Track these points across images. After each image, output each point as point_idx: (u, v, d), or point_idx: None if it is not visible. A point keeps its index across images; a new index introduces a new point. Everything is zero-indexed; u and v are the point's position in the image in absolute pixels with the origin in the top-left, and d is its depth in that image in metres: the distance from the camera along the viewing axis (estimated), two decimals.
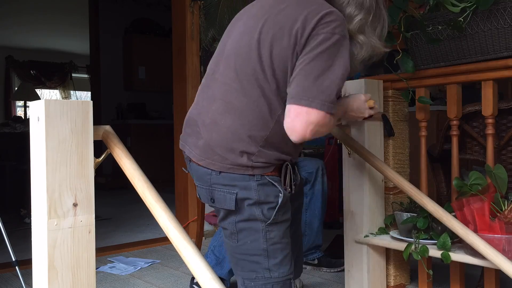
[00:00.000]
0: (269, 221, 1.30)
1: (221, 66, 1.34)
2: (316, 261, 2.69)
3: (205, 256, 2.31)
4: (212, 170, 1.30)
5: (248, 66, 1.27)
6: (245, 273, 1.34)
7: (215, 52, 1.42)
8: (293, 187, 1.37)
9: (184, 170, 1.53)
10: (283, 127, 1.25)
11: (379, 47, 1.41)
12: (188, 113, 1.42)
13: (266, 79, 1.25)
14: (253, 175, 1.28)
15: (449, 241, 1.82)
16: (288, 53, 1.23)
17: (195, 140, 1.35)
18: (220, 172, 1.29)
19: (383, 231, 2.16)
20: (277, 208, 1.30)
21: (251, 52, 1.27)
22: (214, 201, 1.33)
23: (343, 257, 2.26)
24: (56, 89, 10.19)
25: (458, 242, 1.85)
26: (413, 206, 2.03)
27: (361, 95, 1.58)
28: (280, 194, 1.30)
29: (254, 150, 1.27)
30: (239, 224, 1.31)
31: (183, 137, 1.43)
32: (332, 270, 2.67)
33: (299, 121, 1.19)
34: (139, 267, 2.85)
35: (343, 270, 2.63)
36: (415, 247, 1.90)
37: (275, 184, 1.30)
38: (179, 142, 1.45)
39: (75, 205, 1.08)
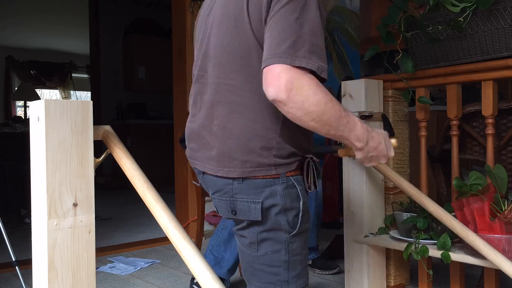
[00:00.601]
0: (294, 232, 1.24)
1: (209, 68, 1.27)
2: (310, 262, 2.69)
3: (204, 256, 2.31)
4: (233, 178, 1.21)
5: (238, 58, 1.20)
6: (261, 285, 1.27)
7: (196, 57, 1.36)
8: (317, 184, 1.29)
9: (196, 183, 1.47)
10: None
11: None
12: (186, 129, 1.35)
13: (260, 64, 1.17)
14: (278, 177, 1.21)
15: (449, 241, 1.82)
16: (262, 24, 1.14)
17: (205, 152, 1.26)
18: (242, 179, 1.20)
19: (383, 231, 2.16)
20: (301, 215, 1.24)
21: (234, 43, 1.20)
22: (236, 213, 1.24)
23: (343, 257, 2.26)
24: (56, 89, 10.20)
25: (458, 242, 1.85)
26: (413, 206, 2.03)
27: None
28: (300, 198, 1.24)
29: (273, 143, 1.19)
30: (262, 234, 1.23)
31: (190, 154, 1.35)
32: (325, 273, 2.65)
33: (271, 76, 1.06)
34: (139, 267, 2.85)
35: (336, 273, 2.63)
36: (415, 247, 1.90)
37: (297, 186, 1.23)
38: (188, 160, 1.36)
39: (75, 205, 1.08)
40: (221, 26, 1.25)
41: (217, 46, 1.25)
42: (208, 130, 1.25)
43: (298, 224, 1.24)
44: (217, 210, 1.31)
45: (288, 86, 1.04)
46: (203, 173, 1.29)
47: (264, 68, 1.08)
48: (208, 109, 1.26)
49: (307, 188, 1.27)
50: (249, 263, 1.29)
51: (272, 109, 1.19)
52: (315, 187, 1.30)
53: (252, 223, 1.24)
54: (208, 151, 1.25)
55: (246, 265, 1.31)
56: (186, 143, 1.37)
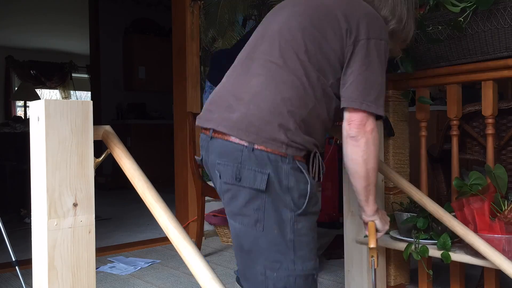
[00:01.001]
0: (299, 211, 1.26)
1: (262, 46, 1.36)
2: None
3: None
4: (244, 146, 1.25)
5: (292, 46, 1.31)
6: (268, 263, 1.27)
7: (250, 40, 1.44)
8: (321, 176, 1.35)
9: (196, 158, 1.46)
10: (319, 109, 1.31)
11: (397, 53, 1.58)
12: (212, 95, 1.39)
13: (310, 63, 1.30)
14: (286, 156, 1.25)
15: (449, 241, 1.82)
16: (335, 45, 1.31)
17: (225, 114, 1.30)
18: (253, 149, 1.24)
19: None
20: (307, 196, 1.27)
21: (296, 34, 1.32)
22: (240, 179, 1.26)
23: (343, 257, 2.26)
24: (56, 89, 10.20)
25: (458, 242, 1.85)
26: (413, 206, 2.03)
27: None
28: (308, 181, 1.27)
29: (291, 127, 1.25)
30: (267, 210, 1.25)
31: (204, 116, 1.38)
32: None
33: (359, 121, 1.31)
34: (139, 267, 2.85)
35: None
36: (415, 247, 1.90)
37: (303, 171, 1.27)
38: (197, 121, 1.40)
39: (75, 205, 1.08)
40: (290, 19, 1.37)
41: (279, 31, 1.36)
42: (235, 96, 1.31)
43: (305, 205, 1.27)
44: (219, 175, 1.31)
45: (368, 134, 1.32)
46: (212, 137, 1.32)
47: (353, 108, 1.32)
48: (244, 78, 1.34)
49: (311, 177, 1.31)
50: (253, 243, 1.29)
51: (304, 100, 1.29)
52: (319, 179, 1.35)
53: (255, 195, 1.25)
54: (229, 113, 1.30)
55: (252, 244, 1.30)
56: (205, 107, 1.41)
